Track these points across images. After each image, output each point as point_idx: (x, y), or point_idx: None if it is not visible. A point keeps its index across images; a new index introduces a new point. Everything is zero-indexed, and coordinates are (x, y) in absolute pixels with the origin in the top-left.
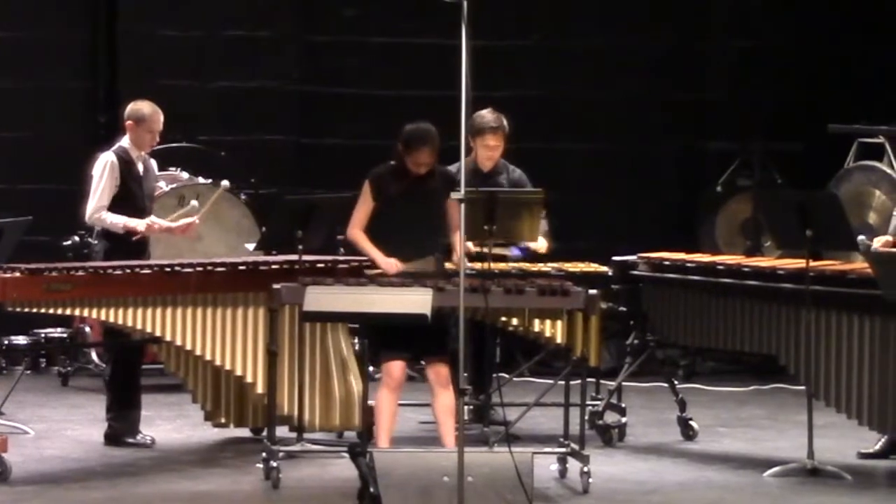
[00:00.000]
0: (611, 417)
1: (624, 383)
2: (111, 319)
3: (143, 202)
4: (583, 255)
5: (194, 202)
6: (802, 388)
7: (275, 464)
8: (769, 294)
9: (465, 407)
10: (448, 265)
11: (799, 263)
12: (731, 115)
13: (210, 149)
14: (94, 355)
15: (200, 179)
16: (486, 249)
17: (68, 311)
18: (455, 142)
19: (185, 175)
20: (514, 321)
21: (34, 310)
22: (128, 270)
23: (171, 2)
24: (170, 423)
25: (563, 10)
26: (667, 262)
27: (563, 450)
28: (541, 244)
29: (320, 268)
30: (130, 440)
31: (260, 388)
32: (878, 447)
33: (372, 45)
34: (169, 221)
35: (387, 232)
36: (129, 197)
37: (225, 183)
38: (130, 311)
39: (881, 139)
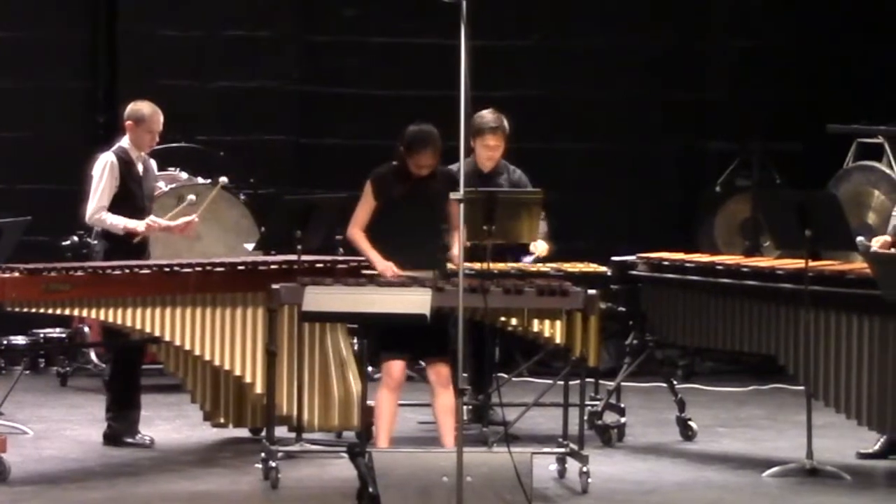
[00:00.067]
0: (610, 417)
1: (623, 383)
2: (110, 319)
3: (143, 202)
4: (582, 255)
5: (191, 196)
6: (801, 388)
7: (274, 464)
8: (768, 294)
9: (464, 407)
10: (448, 266)
11: (798, 263)
12: (730, 115)
13: (209, 149)
14: (93, 355)
15: (200, 179)
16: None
17: (67, 312)
18: (455, 142)
19: (184, 175)
20: (514, 321)
21: (33, 310)
22: (127, 270)
23: (171, 2)
24: (169, 424)
25: (563, 10)
26: (666, 263)
27: (562, 450)
28: (542, 248)
29: (319, 268)
30: (129, 440)
31: (259, 388)
32: (877, 447)
33: (372, 45)
34: (168, 220)
35: (388, 235)
36: (129, 197)
37: (223, 179)
38: (130, 311)
39: (880, 139)
